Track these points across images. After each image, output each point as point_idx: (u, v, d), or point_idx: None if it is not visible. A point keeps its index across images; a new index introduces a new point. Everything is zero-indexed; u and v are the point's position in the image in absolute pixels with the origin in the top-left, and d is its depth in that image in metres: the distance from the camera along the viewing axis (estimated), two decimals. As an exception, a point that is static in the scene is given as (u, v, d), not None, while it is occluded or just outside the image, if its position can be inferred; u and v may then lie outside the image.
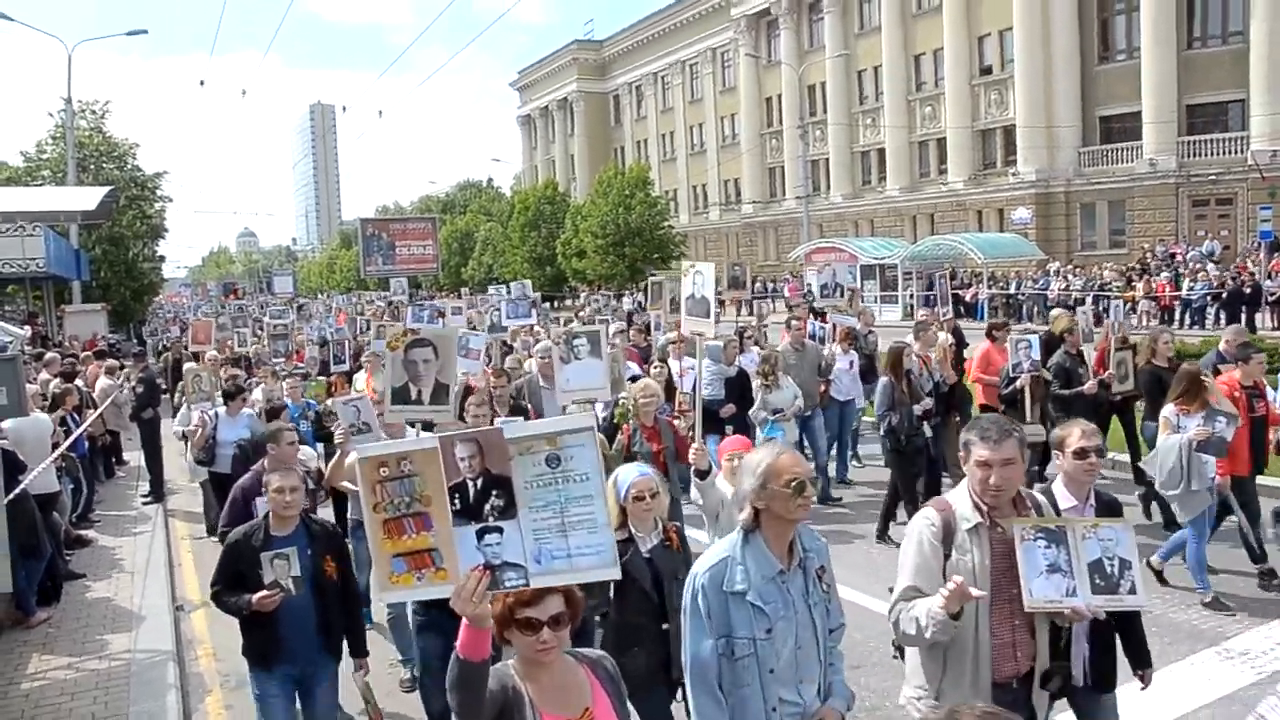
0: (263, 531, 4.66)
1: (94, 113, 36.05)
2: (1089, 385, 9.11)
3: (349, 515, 7.18)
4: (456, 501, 2.32)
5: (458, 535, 2.32)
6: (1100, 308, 28.54)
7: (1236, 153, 34.55)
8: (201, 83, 41.19)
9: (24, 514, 7.64)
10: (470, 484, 2.31)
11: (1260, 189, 32.20)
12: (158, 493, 12.31)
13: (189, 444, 10.22)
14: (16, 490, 7.22)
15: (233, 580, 4.63)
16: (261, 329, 21.82)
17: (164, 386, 16.30)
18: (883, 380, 8.89)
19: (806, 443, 10.43)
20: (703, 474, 5.12)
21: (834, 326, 12.36)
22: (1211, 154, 35.68)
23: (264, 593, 4.46)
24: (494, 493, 2.30)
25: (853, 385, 11.15)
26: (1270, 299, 25.99)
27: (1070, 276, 32.82)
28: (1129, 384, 9.29)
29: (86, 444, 11.40)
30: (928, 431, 8.70)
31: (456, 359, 5.59)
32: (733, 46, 57.97)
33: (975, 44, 43.36)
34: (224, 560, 4.72)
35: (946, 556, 3.37)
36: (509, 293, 21.14)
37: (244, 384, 10.75)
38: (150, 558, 9.59)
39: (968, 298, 33.45)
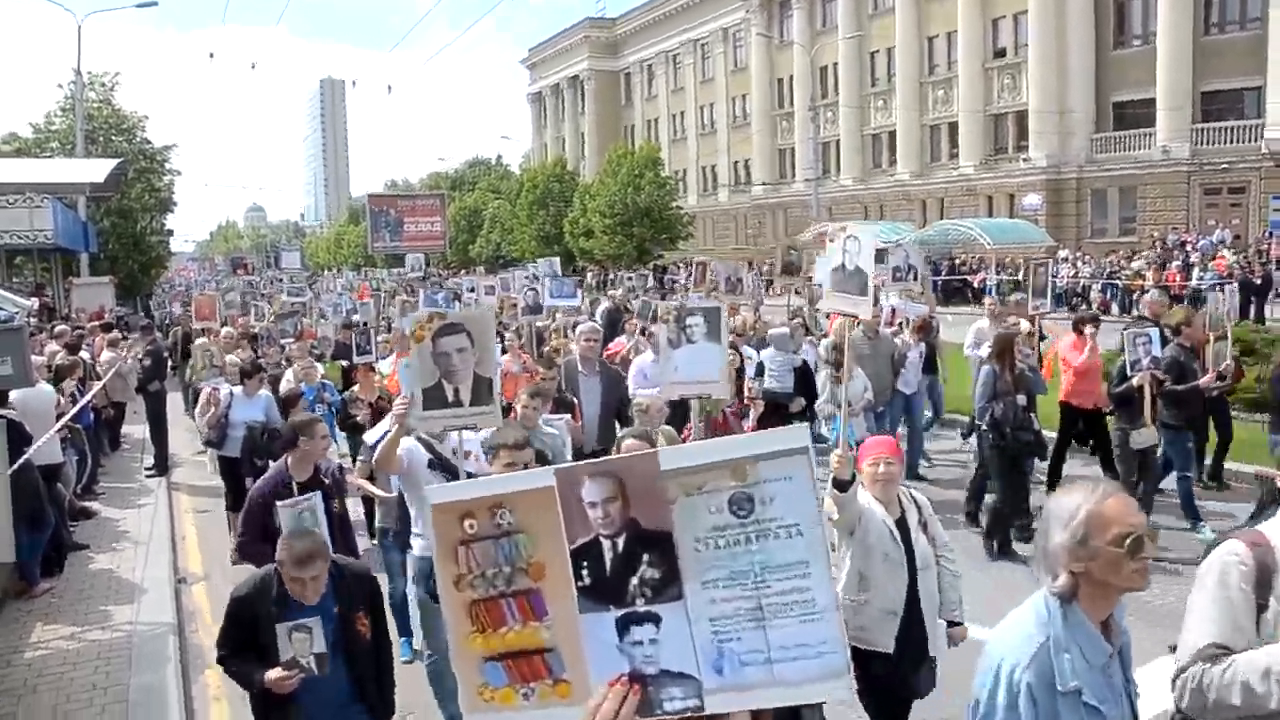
0: (276, 585, 3.84)
1: (103, 85, 36.08)
2: (1206, 380, 8.35)
3: (377, 522, 6.40)
4: (585, 573, 1.52)
5: (587, 626, 1.52)
6: (1108, 295, 28.45)
7: (1251, 141, 34.24)
8: (211, 55, 41.15)
9: (28, 484, 7.69)
10: (607, 545, 1.51)
11: (1274, 177, 31.95)
12: (161, 466, 12.36)
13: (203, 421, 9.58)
14: (20, 460, 7.26)
15: (243, 644, 3.87)
16: (271, 305, 21.65)
17: (172, 363, 16.34)
18: (986, 368, 8.22)
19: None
20: (843, 485, 4.24)
21: (891, 311, 11.55)
22: (1225, 142, 35.36)
23: (278, 673, 3.66)
24: (645, 558, 1.50)
25: (917, 378, 10.55)
26: (1280, 289, 25.86)
27: (1080, 264, 32.66)
28: (1227, 380, 8.72)
29: (92, 416, 11.44)
30: (1035, 425, 7.94)
31: (494, 346, 4.62)
32: (745, 26, 57.56)
33: (990, 26, 42.96)
34: (230, 621, 3.97)
35: (1262, 608, 2.57)
36: (540, 272, 19.47)
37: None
38: (153, 530, 9.64)
39: (975, 283, 33.34)
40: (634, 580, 1.50)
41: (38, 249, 24.99)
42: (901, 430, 10.82)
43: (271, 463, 6.64)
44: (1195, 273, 28.02)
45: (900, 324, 11.56)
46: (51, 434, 8.42)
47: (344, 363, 13.17)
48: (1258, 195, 33.74)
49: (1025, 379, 7.97)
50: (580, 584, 1.53)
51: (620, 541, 1.50)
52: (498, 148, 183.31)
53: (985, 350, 10.34)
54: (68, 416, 9.26)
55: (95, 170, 25.97)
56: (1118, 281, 29.16)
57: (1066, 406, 9.52)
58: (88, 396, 10.65)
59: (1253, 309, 24.04)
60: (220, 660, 4.02)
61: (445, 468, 5.17)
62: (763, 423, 7.48)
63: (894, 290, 12.79)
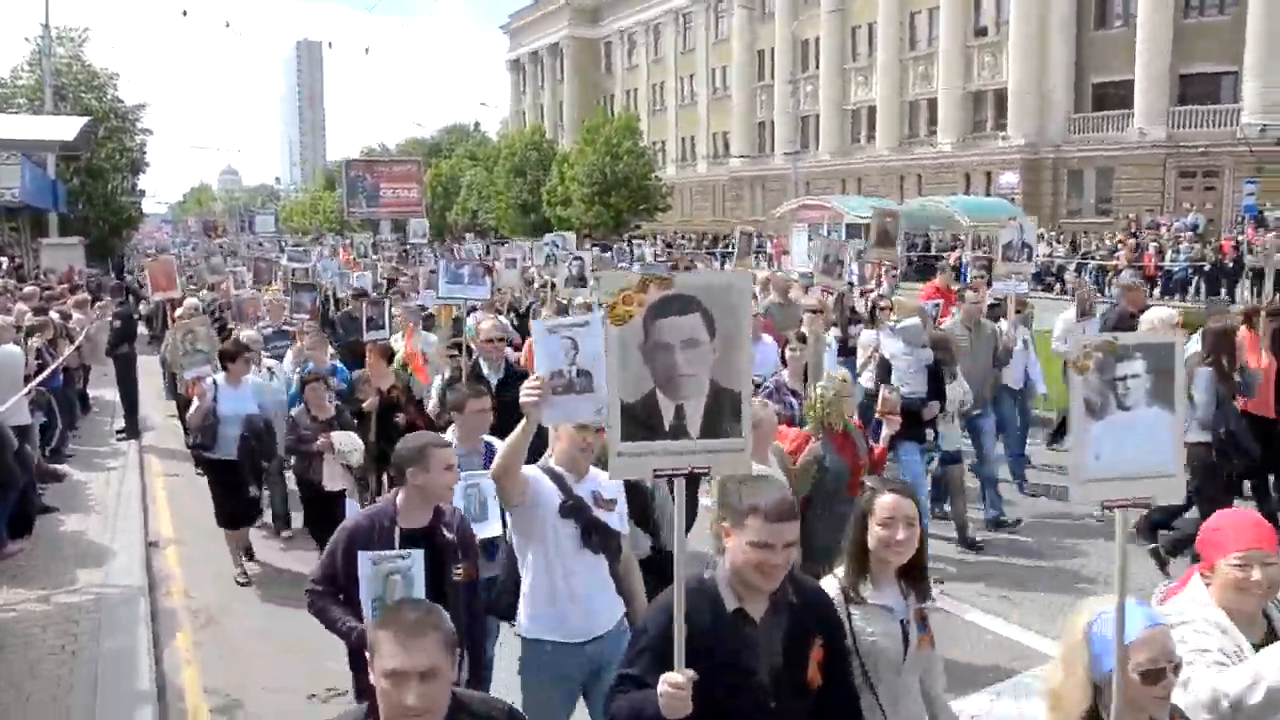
0: None
1: (72, 40, 35.30)
2: None
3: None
4: None
5: None
6: (1081, 275, 28.63)
7: (1226, 125, 34.56)
8: (184, 13, 40.32)
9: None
10: None
11: (1248, 162, 32.25)
12: (132, 429, 12.25)
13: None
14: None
15: None
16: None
17: (151, 332, 16.14)
18: (1203, 370, 6.81)
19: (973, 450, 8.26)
20: None
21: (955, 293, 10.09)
22: (1201, 126, 35.67)
23: None
24: None
25: (1028, 368, 8.99)
26: (1250, 272, 26.15)
27: (1055, 243, 32.90)
28: None
29: (61, 377, 11.29)
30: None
31: (749, 339, 2.72)
32: (727, -3, 57.24)
33: (972, 4, 42.96)
34: None
35: None
36: (560, 244, 16.39)
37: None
38: (123, 493, 9.57)
39: (951, 260, 33.46)
40: None
41: (5, 207, 24.54)
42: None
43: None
44: (1168, 255, 28.27)
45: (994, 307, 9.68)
46: (21, 395, 8.31)
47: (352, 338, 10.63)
48: (1231, 179, 34.10)
49: (1233, 383, 6.82)
50: None
51: None
52: (476, 114, 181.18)
53: (1068, 344, 9.80)
54: (39, 379, 9.14)
55: (65, 128, 25.51)
56: (1090, 261, 29.36)
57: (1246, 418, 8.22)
58: (60, 359, 10.51)
59: (1223, 292, 24.34)
60: None
61: (584, 519, 3.78)
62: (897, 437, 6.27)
63: (1008, 270, 10.54)
